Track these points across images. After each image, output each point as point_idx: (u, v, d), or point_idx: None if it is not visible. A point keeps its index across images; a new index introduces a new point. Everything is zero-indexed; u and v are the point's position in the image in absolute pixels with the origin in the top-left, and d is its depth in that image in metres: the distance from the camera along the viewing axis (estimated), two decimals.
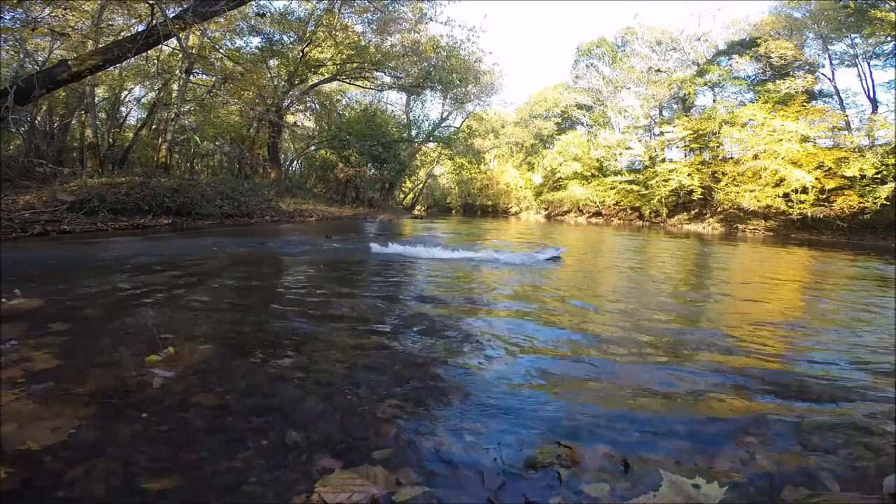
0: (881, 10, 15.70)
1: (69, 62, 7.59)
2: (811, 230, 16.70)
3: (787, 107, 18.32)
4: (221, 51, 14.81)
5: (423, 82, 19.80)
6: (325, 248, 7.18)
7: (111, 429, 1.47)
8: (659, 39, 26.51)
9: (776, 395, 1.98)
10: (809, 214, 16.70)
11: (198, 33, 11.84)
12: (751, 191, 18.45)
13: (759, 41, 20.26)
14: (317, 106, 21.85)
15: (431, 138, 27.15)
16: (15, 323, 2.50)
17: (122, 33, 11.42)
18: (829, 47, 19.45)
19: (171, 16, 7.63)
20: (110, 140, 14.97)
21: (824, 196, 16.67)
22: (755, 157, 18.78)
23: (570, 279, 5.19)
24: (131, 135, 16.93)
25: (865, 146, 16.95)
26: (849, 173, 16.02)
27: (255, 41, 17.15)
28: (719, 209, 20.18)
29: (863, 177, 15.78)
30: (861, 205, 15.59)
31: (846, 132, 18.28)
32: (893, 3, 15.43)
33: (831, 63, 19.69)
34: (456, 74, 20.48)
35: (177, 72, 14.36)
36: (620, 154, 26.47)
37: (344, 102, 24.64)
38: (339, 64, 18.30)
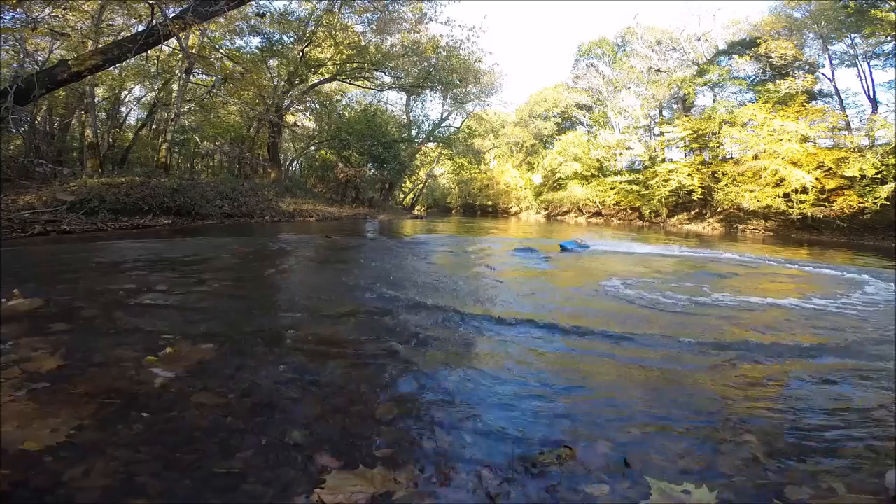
0: (881, 10, 15.68)
1: (69, 62, 7.60)
2: (811, 230, 16.69)
3: (787, 107, 18.30)
4: (221, 51, 14.84)
5: (423, 82, 19.80)
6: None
7: (110, 429, 1.47)
8: (659, 39, 26.50)
9: (775, 391, 1.98)
10: (809, 214, 16.69)
11: (198, 33, 11.85)
12: (751, 191, 18.44)
13: (759, 41, 20.24)
14: (317, 106, 21.85)
15: (431, 138, 27.15)
16: (15, 323, 2.50)
17: (122, 33, 11.42)
18: (829, 47, 19.44)
19: (171, 16, 7.64)
20: (110, 140, 14.98)
21: (824, 196, 16.65)
22: (755, 157, 18.77)
23: None
24: (131, 135, 16.94)
25: (865, 146, 16.93)
26: (849, 173, 16.00)
27: (255, 41, 17.17)
28: (719, 209, 20.17)
29: (863, 177, 15.76)
30: (861, 205, 15.57)
31: (846, 132, 18.25)
32: (893, 3, 15.42)
33: (831, 63, 19.69)
34: (456, 74, 20.48)
35: (177, 72, 14.37)
36: (620, 154, 26.46)
37: (344, 102, 24.65)
38: (339, 64, 18.30)
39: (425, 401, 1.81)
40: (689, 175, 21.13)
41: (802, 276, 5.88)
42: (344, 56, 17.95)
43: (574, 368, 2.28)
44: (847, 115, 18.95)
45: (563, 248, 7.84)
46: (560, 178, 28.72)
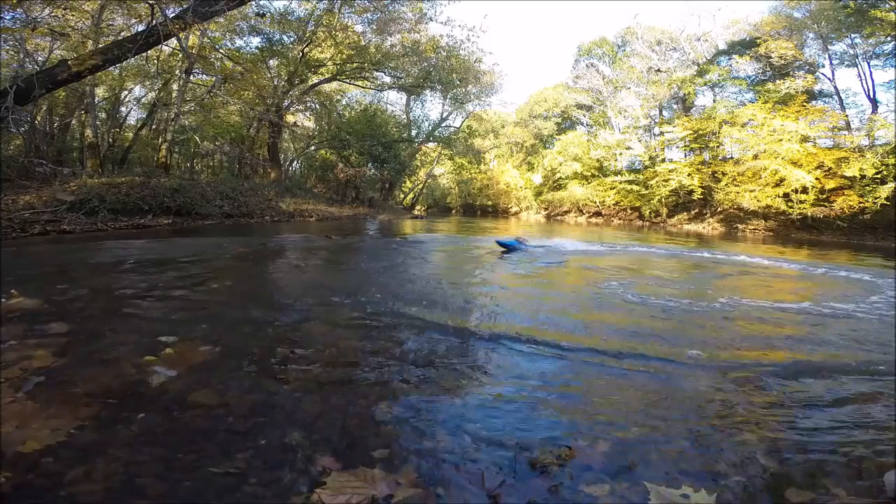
0: (881, 10, 15.68)
1: (69, 62, 7.60)
2: (811, 230, 16.70)
3: (787, 107, 18.31)
4: (221, 51, 14.84)
5: (423, 82, 19.80)
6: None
7: (110, 429, 1.47)
8: (659, 39, 26.50)
9: (776, 391, 1.98)
10: (809, 214, 16.70)
11: (198, 33, 11.84)
12: (751, 191, 18.46)
13: (759, 41, 20.25)
14: (317, 106, 21.85)
15: (431, 138, 27.16)
16: (15, 323, 2.49)
17: (122, 33, 11.42)
18: (829, 47, 19.44)
19: (171, 16, 7.63)
20: (110, 140, 14.99)
21: (824, 196, 16.66)
22: (755, 157, 18.78)
23: None
24: (131, 135, 16.94)
25: (865, 146, 16.93)
26: (849, 173, 16.01)
27: (255, 41, 17.17)
28: (719, 209, 20.18)
29: (863, 177, 15.76)
30: (861, 205, 15.58)
31: (846, 132, 18.26)
32: (893, 3, 15.42)
33: (831, 63, 19.69)
34: (456, 74, 20.48)
35: (177, 72, 14.37)
36: (620, 154, 26.46)
37: (344, 102, 24.65)
38: (339, 64, 18.31)
39: (425, 402, 1.81)
40: (689, 175, 21.14)
41: (802, 278, 5.87)
42: (344, 56, 17.95)
43: (574, 370, 2.28)
44: (847, 115, 18.96)
45: (504, 247, 6.93)
46: (560, 178, 28.72)
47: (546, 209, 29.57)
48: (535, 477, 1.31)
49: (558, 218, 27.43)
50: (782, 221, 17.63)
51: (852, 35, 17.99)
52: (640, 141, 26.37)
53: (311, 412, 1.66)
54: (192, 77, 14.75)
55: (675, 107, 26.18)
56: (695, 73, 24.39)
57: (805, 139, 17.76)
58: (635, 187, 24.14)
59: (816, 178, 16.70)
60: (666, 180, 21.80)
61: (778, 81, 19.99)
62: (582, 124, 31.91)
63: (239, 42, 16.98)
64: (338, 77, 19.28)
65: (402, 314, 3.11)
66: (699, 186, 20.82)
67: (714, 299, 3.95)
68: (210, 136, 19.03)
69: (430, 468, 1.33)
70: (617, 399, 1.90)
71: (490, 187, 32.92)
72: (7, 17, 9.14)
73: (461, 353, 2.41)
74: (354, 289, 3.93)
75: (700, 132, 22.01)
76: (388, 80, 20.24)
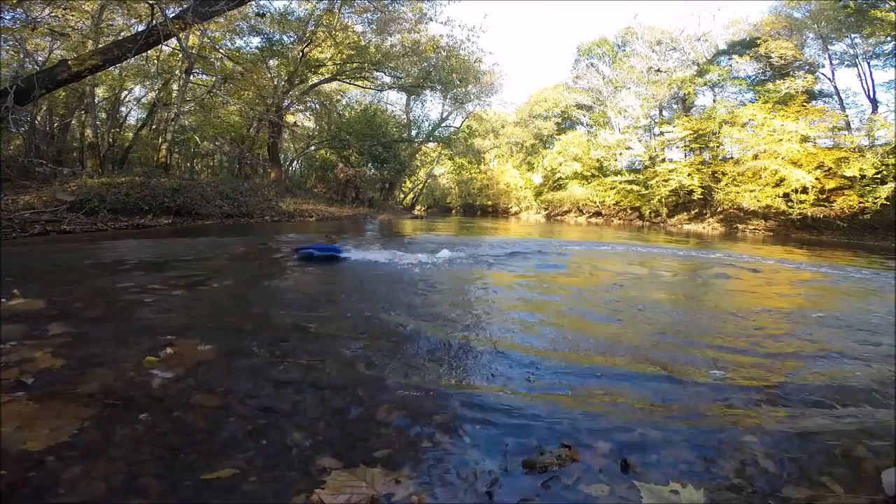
0: (881, 10, 15.69)
1: (69, 62, 7.61)
2: (811, 230, 16.70)
3: (787, 107, 18.32)
4: (221, 51, 14.84)
5: (423, 82, 19.81)
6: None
7: (111, 429, 1.47)
8: (659, 39, 26.51)
9: (776, 393, 1.99)
10: (809, 214, 16.71)
11: (198, 33, 11.85)
12: (751, 191, 18.47)
13: (759, 41, 20.26)
14: (317, 106, 21.86)
15: (431, 138, 27.16)
16: (15, 323, 2.50)
17: (122, 33, 11.44)
18: (829, 47, 19.45)
19: (171, 16, 7.65)
20: (110, 140, 14.98)
21: (824, 196, 16.67)
22: (755, 157, 18.80)
23: None
24: (131, 135, 16.94)
25: (865, 146, 16.94)
26: (849, 173, 16.02)
27: (255, 41, 17.19)
28: (719, 209, 20.19)
29: (863, 177, 15.77)
30: (861, 205, 15.59)
31: (846, 132, 18.27)
32: (893, 3, 15.42)
33: (831, 63, 19.70)
34: (456, 74, 20.48)
35: (177, 72, 14.38)
36: (620, 154, 26.47)
37: (344, 102, 24.66)
38: (339, 64, 18.32)
39: (425, 402, 1.81)
40: (689, 175, 21.16)
41: (803, 278, 5.88)
42: (344, 56, 17.96)
43: (574, 371, 2.28)
44: (847, 115, 18.98)
45: (299, 252, 5.62)
46: (560, 178, 28.75)
47: (546, 209, 29.59)
48: (534, 477, 1.31)
49: (558, 218, 27.44)
50: (782, 221, 17.65)
51: (852, 35, 18.01)
52: (640, 141, 26.38)
53: (312, 413, 1.66)
54: (192, 77, 14.76)
55: (675, 107, 26.19)
56: (695, 73, 24.41)
57: (805, 139, 17.77)
58: (635, 187, 24.16)
59: (816, 178, 16.72)
60: (666, 180, 21.81)
61: (778, 81, 20.01)
62: (582, 124, 31.94)
63: (239, 42, 17.02)
64: (338, 77, 19.29)
65: (401, 317, 3.11)
66: (699, 186, 20.83)
67: (707, 302, 3.96)
68: (210, 136, 19.05)
69: (429, 468, 1.33)
70: (619, 399, 1.90)
71: (490, 187, 32.95)
72: (7, 17, 9.16)
73: (460, 355, 2.41)
74: (356, 289, 3.94)
75: (700, 132, 22.03)
76: (388, 80, 20.26)
